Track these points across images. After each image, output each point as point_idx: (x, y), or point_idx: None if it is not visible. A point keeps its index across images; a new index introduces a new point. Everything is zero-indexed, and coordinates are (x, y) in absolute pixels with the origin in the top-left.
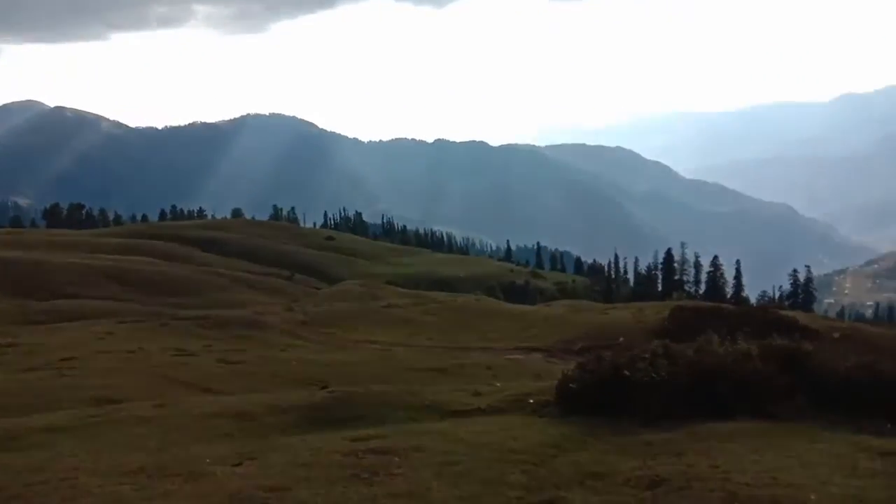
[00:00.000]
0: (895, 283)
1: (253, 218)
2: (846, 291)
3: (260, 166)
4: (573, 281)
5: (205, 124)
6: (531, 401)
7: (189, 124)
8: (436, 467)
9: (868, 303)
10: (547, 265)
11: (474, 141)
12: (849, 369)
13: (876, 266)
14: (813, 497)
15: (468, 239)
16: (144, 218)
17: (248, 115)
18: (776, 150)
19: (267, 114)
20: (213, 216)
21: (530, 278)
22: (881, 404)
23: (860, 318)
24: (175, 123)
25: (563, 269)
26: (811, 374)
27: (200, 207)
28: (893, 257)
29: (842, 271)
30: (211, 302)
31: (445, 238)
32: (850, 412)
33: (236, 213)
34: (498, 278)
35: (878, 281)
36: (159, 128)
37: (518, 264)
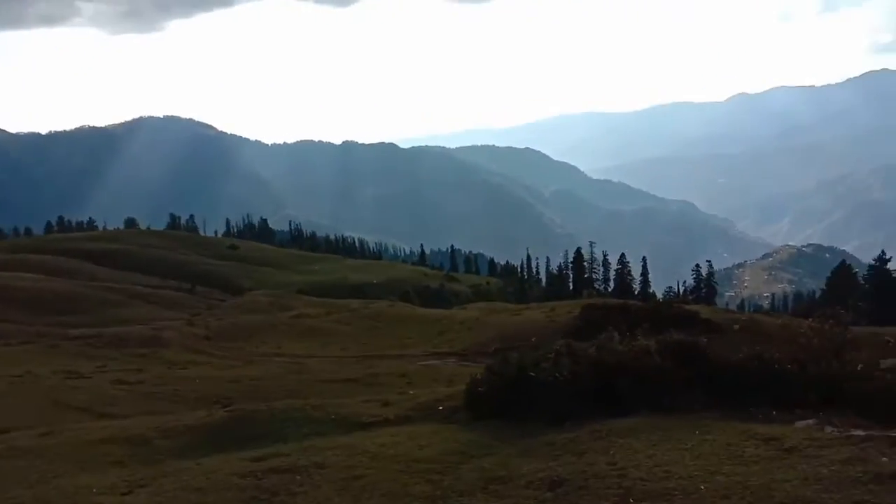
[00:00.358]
0: (789, 275)
1: (148, 228)
2: (745, 284)
3: (155, 172)
4: (488, 283)
5: (93, 128)
6: (440, 408)
7: (76, 129)
8: (339, 483)
9: (765, 294)
10: (461, 268)
11: (383, 143)
12: (740, 360)
13: (771, 259)
14: (702, 487)
15: (381, 244)
16: (28, 231)
17: (141, 117)
18: (677, 149)
19: (161, 116)
20: (104, 227)
21: (445, 282)
22: (769, 392)
23: (758, 309)
24: (60, 128)
25: (477, 272)
26: (706, 366)
27: (90, 218)
28: (787, 250)
29: (741, 265)
30: (104, 319)
31: (357, 243)
32: (741, 401)
33: (130, 222)
34: (412, 283)
35: (773, 273)
36: (43, 133)
37: (432, 268)
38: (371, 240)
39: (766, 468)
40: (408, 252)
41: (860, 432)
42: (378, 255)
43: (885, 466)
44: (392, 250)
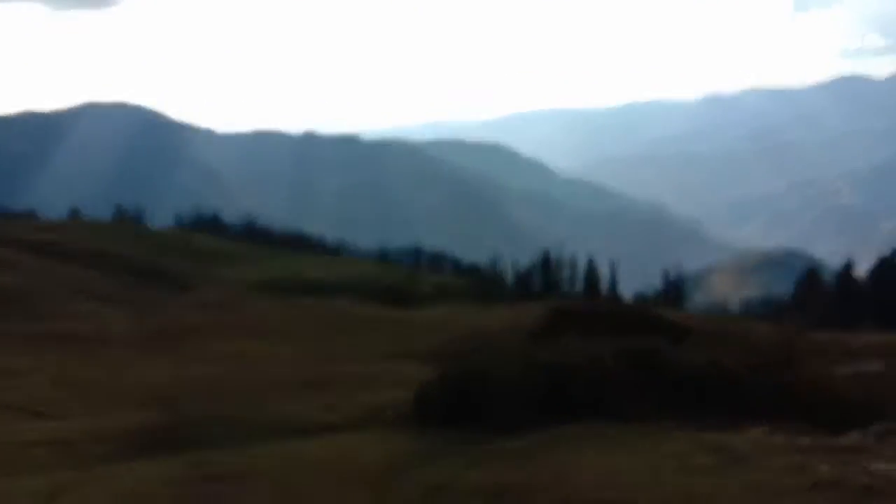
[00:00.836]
0: (758, 279)
1: (93, 218)
2: (716, 288)
3: (100, 161)
4: (453, 282)
5: (36, 114)
6: (389, 413)
7: (17, 114)
8: (272, 492)
9: (735, 298)
10: (426, 266)
11: (346, 134)
12: (695, 367)
13: (742, 263)
14: (645, 497)
15: (341, 239)
16: None
17: (87, 103)
18: (647, 147)
19: (109, 102)
20: (46, 217)
21: (408, 280)
22: (724, 400)
23: (728, 313)
24: (0, 112)
25: (442, 271)
26: (662, 372)
27: (32, 207)
28: (757, 254)
29: (711, 268)
30: (44, 314)
31: (316, 238)
32: (696, 409)
33: (74, 213)
34: (374, 281)
35: (743, 277)
36: None
37: (396, 265)
38: (331, 235)
39: (711, 477)
40: (370, 248)
41: (807, 440)
42: (338, 250)
43: (823, 475)
44: (353, 246)
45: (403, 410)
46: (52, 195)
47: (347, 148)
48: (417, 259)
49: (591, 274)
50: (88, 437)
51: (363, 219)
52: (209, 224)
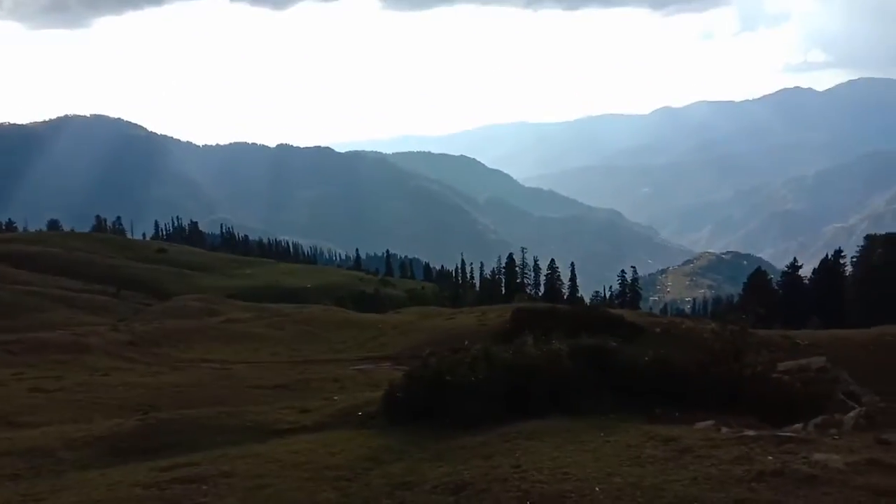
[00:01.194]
0: (708, 280)
1: (72, 230)
2: (668, 289)
3: (80, 173)
4: (423, 287)
5: (14, 126)
6: (359, 413)
7: None
8: (244, 492)
9: (687, 298)
10: (397, 272)
11: (319, 146)
12: (646, 364)
13: (692, 265)
14: (597, 489)
15: (316, 248)
16: None
17: (66, 116)
18: (603, 159)
19: (88, 115)
20: (25, 228)
21: (380, 286)
22: (672, 394)
23: (680, 312)
24: None
25: (412, 276)
26: (615, 369)
27: (10, 219)
28: (706, 257)
29: (664, 271)
30: (24, 324)
31: (291, 247)
32: (647, 403)
33: (53, 224)
34: (347, 288)
35: (694, 278)
36: None
37: (368, 272)
38: (306, 244)
39: (660, 469)
40: (343, 256)
41: (752, 432)
42: (313, 259)
43: (768, 465)
44: (327, 254)
45: (373, 410)
46: (32, 206)
47: (321, 159)
48: (389, 265)
49: (553, 277)
50: (62, 444)
51: (336, 228)
52: (188, 234)
